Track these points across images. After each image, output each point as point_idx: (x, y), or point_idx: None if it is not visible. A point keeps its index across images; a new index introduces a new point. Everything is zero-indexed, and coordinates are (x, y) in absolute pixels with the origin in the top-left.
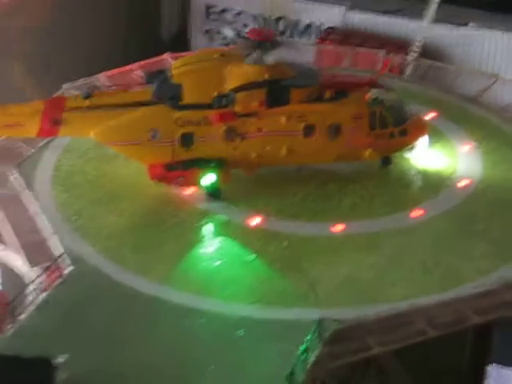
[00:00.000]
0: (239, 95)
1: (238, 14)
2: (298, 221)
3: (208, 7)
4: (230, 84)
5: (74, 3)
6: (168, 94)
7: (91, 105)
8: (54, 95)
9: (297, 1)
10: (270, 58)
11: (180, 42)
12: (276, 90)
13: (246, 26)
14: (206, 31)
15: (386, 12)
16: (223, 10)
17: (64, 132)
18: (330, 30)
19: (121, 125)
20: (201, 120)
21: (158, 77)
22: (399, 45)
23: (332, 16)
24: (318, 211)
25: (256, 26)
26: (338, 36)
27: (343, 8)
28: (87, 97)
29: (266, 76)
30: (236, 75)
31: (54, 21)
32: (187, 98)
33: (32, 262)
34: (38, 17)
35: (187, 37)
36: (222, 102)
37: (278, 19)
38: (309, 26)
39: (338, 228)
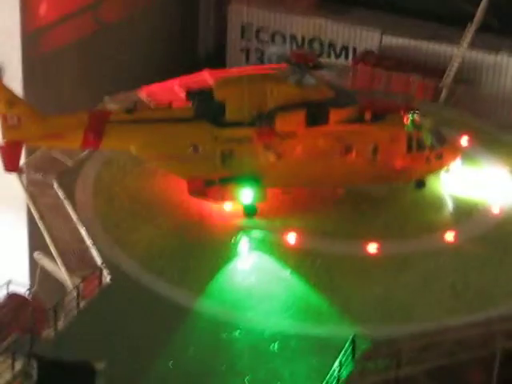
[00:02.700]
0: (279, 115)
1: (274, 33)
2: (332, 239)
3: (244, 26)
4: (271, 104)
5: (115, 18)
6: (210, 111)
7: (134, 119)
8: (96, 108)
9: (332, 23)
10: (311, 79)
11: (216, 60)
12: (315, 111)
13: (281, 45)
14: (242, 49)
15: (421, 37)
16: (259, 30)
17: (106, 145)
18: (365, 53)
19: (162, 140)
20: (241, 138)
21: (201, 94)
22: (434, 70)
23: (367, 39)
24: (352, 230)
25: (292, 47)
26: (372, 59)
27: (378, 32)
28: (130, 111)
29: (306, 97)
30: (277, 95)
31: (94, 35)
32: (228, 116)
33: (72, 270)
34: (80, 31)
35: (223, 54)
36: (263, 121)
37: (313, 40)
38: (344, 48)
39: (372, 248)
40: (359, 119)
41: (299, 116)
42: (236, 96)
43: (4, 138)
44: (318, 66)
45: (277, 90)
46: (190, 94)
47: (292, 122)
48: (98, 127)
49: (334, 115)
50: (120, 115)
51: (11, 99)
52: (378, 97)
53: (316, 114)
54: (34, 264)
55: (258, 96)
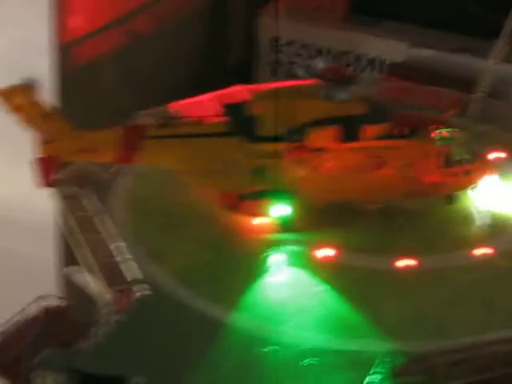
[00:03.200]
0: (311, 130)
1: (304, 46)
2: (365, 254)
3: (274, 39)
4: (304, 119)
5: (146, 31)
6: (243, 126)
7: (168, 134)
8: (130, 122)
9: (361, 35)
10: (344, 94)
11: (244, 72)
12: (348, 126)
13: (311, 58)
14: (271, 62)
15: (451, 50)
16: (288, 43)
17: (141, 160)
18: (393, 66)
19: (195, 155)
20: (273, 152)
21: (235, 109)
22: (464, 83)
23: (395, 52)
24: (384, 245)
25: (321, 60)
26: (401, 72)
27: (407, 44)
28: (164, 126)
29: (339, 112)
30: (309, 110)
31: (126, 48)
32: (261, 131)
33: (106, 283)
34: (112, 44)
35: (251, 67)
36: (295, 136)
37: (342, 53)
38: (372, 60)
39: (405, 263)
40: (391, 135)
41: (331, 132)
42: (269, 111)
43: (39, 152)
44: (351, 81)
45: (309, 105)
46: (226, 109)
47: (324, 138)
48: (132, 142)
49: (366, 131)
50: (154, 130)
51: (47, 114)
52: (409, 111)
53: (348, 130)
54: (65, 278)
55: (290, 111)
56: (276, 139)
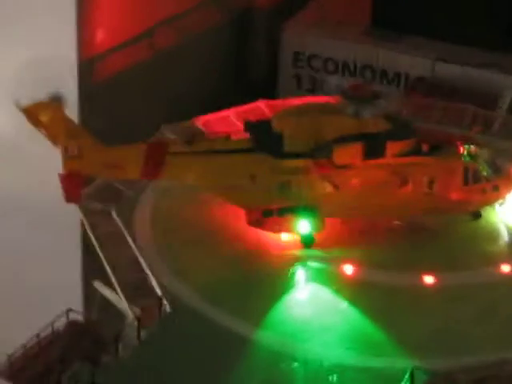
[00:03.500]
0: (337, 147)
1: (326, 60)
2: (389, 271)
3: (296, 53)
4: (329, 135)
5: (169, 45)
6: (268, 142)
7: (193, 150)
8: (153, 137)
9: (384, 50)
10: (368, 111)
11: (267, 86)
12: (372, 143)
13: (333, 73)
14: (294, 76)
15: (477, 65)
16: (311, 57)
17: (165, 176)
18: (417, 81)
19: (220, 171)
20: (299, 169)
21: (259, 125)
22: (489, 99)
23: (420, 66)
24: (408, 262)
25: (344, 74)
26: (425, 87)
27: (431, 59)
28: (189, 142)
29: (364, 129)
30: (334, 127)
31: (149, 62)
32: (286, 147)
33: (131, 300)
34: (135, 58)
35: (274, 80)
36: (320, 152)
37: (366, 67)
38: (396, 75)
39: (428, 279)
40: (416, 151)
41: (356, 149)
42: (294, 127)
43: (64, 168)
44: (375, 98)
45: (334, 121)
46: (248, 125)
47: (349, 155)
48: (157, 158)
49: (391, 148)
50: (179, 146)
51: (72, 129)
52: (433, 127)
53: (373, 147)
54: (89, 292)
55: (315, 127)
56: (301, 156)
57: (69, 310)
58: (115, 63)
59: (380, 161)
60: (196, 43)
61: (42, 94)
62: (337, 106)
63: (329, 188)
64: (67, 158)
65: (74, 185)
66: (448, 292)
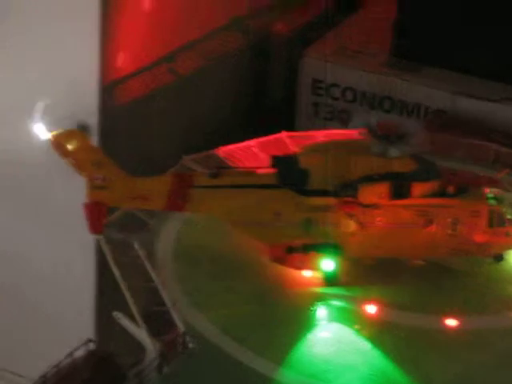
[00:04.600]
0: (363, 186)
1: (345, 89)
2: (411, 312)
3: (315, 81)
4: (355, 174)
5: (189, 70)
6: (294, 179)
7: (218, 184)
8: (175, 168)
9: (404, 81)
10: (395, 151)
11: (285, 112)
12: (398, 183)
13: (352, 102)
14: (312, 104)
15: (497, 99)
16: (330, 85)
17: (190, 209)
18: (436, 114)
19: (245, 206)
20: (323, 206)
21: (285, 162)
22: (507, 135)
23: (439, 99)
24: (430, 304)
25: (362, 104)
26: (443, 120)
27: (450, 92)
28: (214, 176)
29: (390, 168)
30: (361, 166)
31: (169, 87)
32: (312, 185)
33: (150, 333)
34: (155, 83)
35: (293, 108)
36: (346, 191)
37: (384, 98)
38: (416, 106)
39: (451, 323)
40: (441, 192)
41: (382, 188)
42: (320, 165)
43: (89, 198)
44: (401, 138)
45: (361, 160)
46: (274, 160)
47: (375, 194)
48: (181, 191)
49: (417, 188)
50: (204, 179)
51: (98, 159)
52: (458, 168)
53: (399, 188)
54: (105, 322)
55: (342, 166)
56: (326, 193)
57: (89, 341)
58: (136, 88)
59: (405, 201)
60: (216, 68)
61: (63, 120)
62: (364, 144)
63: (354, 226)
64: (92, 187)
65: (97, 215)
66: (470, 336)
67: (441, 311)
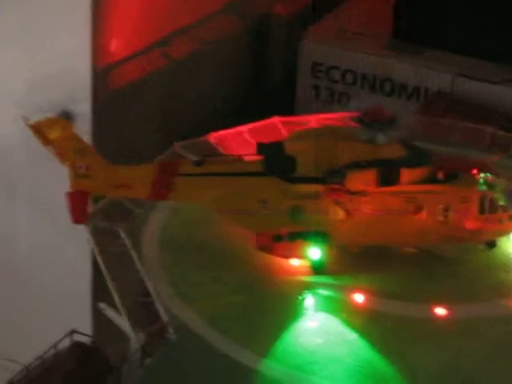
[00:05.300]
0: (350, 173)
1: (345, 72)
2: (400, 301)
3: (315, 64)
4: (342, 161)
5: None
6: (280, 166)
7: (203, 172)
8: (164, 154)
9: (404, 63)
10: (383, 137)
11: (285, 97)
12: (387, 170)
13: (352, 84)
14: (312, 87)
15: (497, 81)
16: (330, 68)
17: (174, 197)
18: (437, 96)
19: (230, 194)
20: (311, 194)
21: (272, 149)
22: (508, 118)
23: (440, 81)
24: (420, 292)
25: (363, 87)
26: (444, 102)
27: (451, 74)
28: (199, 164)
29: (378, 155)
30: (348, 152)
31: (163, 72)
32: (299, 171)
33: (135, 324)
34: (149, 68)
35: (292, 91)
36: (333, 177)
37: (385, 80)
38: (416, 89)
39: (440, 311)
40: (431, 179)
41: (370, 175)
42: (307, 151)
43: (72, 187)
44: (390, 123)
45: (349, 147)
46: (261, 147)
47: (363, 181)
48: (166, 180)
49: (406, 175)
50: (189, 167)
51: (81, 148)
52: (450, 153)
53: (387, 174)
54: (96, 314)
55: (329, 152)
56: (313, 180)
57: (73, 331)
58: (129, 73)
59: (394, 188)
60: (212, 52)
61: (55, 107)
62: (352, 131)
63: (341, 214)
64: (75, 176)
65: (80, 204)
66: (460, 324)
67: (431, 300)
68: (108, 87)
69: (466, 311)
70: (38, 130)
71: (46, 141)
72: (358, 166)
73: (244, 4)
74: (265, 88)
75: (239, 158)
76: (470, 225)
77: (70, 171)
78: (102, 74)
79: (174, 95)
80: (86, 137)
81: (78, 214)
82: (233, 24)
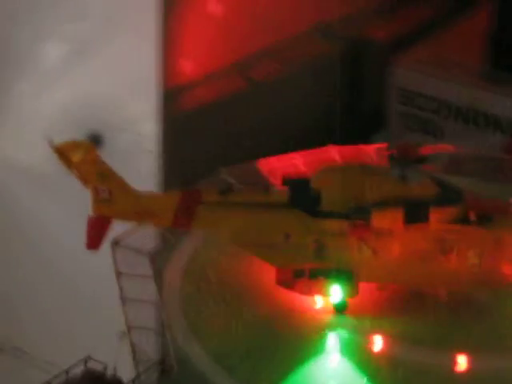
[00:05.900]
0: (377, 210)
1: (431, 99)
2: (422, 347)
3: (401, 90)
4: (371, 197)
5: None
6: (305, 200)
7: (227, 202)
8: (208, 179)
9: (498, 95)
10: (415, 174)
11: (375, 122)
12: (415, 209)
13: (437, 112)
14: (400, 114)
15: None
16: (417, 95)
17: (197, 226)
18: None
19: (253, 227)
20: (335, 230)
21: (298, 182)
22: None
23: None
24: (445, 339)
25: (457, 119)
26: None
27: None
28: (224, 193)
29: (407, 193)
30: (376, 189)
31: (239, 95)
32: (324, 207)
33: (139, 354)
34: (225, 90)
35: (381, 119)
36: (358, 214)
37: (475, 111)
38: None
39: (464, 360)
40: (463, 219)
41: (397, 213)
42: (333, 186)
43: (94, 211)
44: (421, 161)
45: (376, 183)
46: (287, 181)
47: (389, 219)
48: (189, 208)
49: (436, 214)
50: (213, 196)
51: (104, 172)
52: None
53: (415, 213)
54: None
55: (356, 188)
56: (338, 216)
57: (87, 358)
58: (202, 94)
59: (423, 227)
60: (295, 76)
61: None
62: (381, 168)
63: (366, 252)
64: (97, 201)
65: (99, 230)
66: (483, 376)
67: (456, 348)
68: (179, 108)
69: (492, 361)
70: (62, 152)
71: (70, 163)
72: (386, 203)
73: (335, 25)
74: (354, 114)
75: (267, 189)
76: (504, 269)
77: (92, 195)
78: (170, 95)
79: (253, 118)
80: (151, 156)
81: (94, 240)
82: (320, 46)
